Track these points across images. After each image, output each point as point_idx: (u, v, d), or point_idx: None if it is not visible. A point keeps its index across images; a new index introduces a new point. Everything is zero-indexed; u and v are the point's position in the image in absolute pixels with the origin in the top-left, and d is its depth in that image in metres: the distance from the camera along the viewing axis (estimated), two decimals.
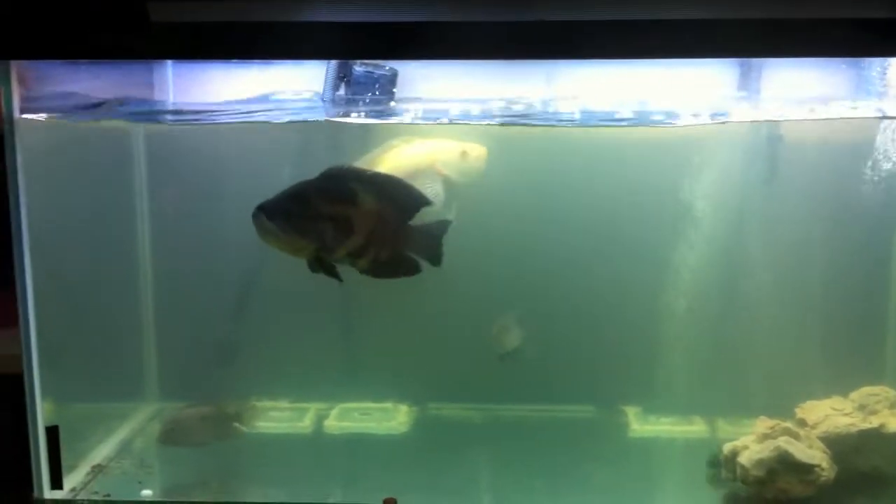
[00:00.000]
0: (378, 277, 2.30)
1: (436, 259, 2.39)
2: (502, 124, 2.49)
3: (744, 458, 2.21)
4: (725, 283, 2.62)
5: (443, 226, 2.41)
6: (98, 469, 2.39)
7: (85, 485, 2.30)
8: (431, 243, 2.39)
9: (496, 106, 2.48)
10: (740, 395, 2.59)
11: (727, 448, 2.27)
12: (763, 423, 2.29)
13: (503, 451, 2.56)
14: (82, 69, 2.30)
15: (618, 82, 2.42)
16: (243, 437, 2.53)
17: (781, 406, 2.43)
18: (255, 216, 2.10)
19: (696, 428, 2.64)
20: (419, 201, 2.32)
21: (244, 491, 2.38)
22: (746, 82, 2.50)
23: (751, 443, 2.25)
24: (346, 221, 2.18)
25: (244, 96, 2.51)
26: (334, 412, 2.74)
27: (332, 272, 2.22)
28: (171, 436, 2.43)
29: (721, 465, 2.28)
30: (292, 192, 2.16)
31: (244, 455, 2.58)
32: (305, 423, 2.70)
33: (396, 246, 2.30)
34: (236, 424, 2.49)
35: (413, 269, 2.35)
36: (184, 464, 2.47)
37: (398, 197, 2.29)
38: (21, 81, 2.08)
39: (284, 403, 2.79)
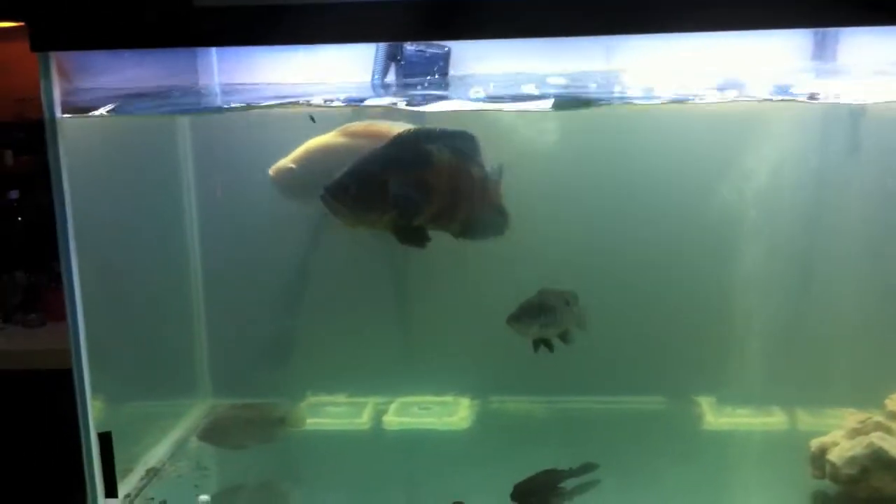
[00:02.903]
0: (474, 238, 2.16)
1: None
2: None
3: (834, 456, 2.07)
4: (805, 267, 2.48)
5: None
6: (153, 472, 2.32)
7: (139, 490, 2.23)
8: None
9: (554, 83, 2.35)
10: (822, 385, 2.44)
11: (814, 444, 2.14)
12: (853, 417, 2.15)
13: (570, 447, 2.43)
14: (125, 59, 2.22)
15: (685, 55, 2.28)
16: (285, 440, 2.42)
17: (867, 396, 2.29)
18: (321, 198, 2.02)
19: (775, 420, 2.50)
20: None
21: (305, 493, 2.30)
22: (822, 53, 2.34)
23: (840, 438, 2.11)
24: (422, 185, 2.07)
25: (290, 81, 2.43)
26: (393, 407, 2.65)
27: (419, 239, 2.11)
28: (210, 434, 2.36)
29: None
30: (356, 166, 2.07)
31: (304, 455, 2.49)
32: (364, 420, 2.62)
33: (487, 202, 2.17)
34: (279, 428, 2.39)
35: (502, 227, 2.20)
36: (242, 464, 2.39)
37: (477, 152, 2.16)
38: (62, 75, 1.99)
39: (342, 398, 2.71)
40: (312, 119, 2.37)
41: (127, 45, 1.96)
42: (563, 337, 2.30)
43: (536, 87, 2.33)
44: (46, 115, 1.98)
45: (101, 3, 1.86)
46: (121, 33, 1.89)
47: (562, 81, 2.36)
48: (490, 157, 2.18)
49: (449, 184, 2.09)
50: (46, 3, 1.85)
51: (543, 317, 2.24)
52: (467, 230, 2.15)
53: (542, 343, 2.27)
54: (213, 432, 2.33)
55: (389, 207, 2.04)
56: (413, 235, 2.10)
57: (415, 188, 2.07)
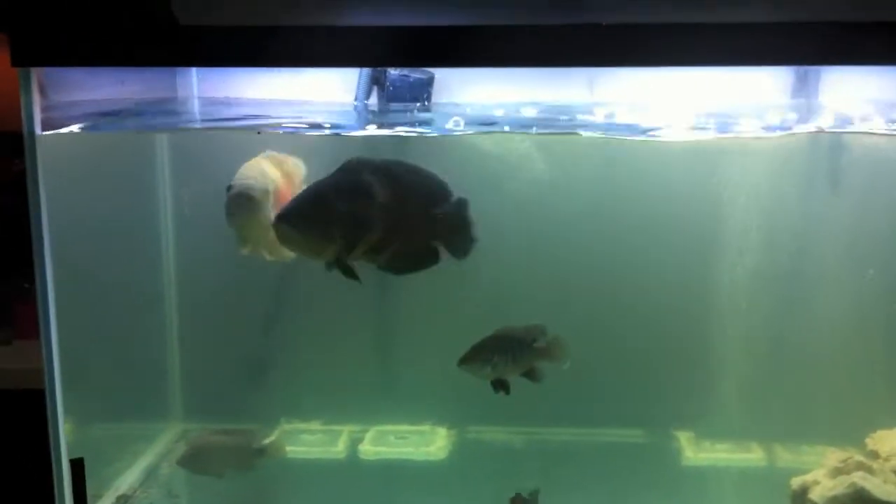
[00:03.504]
0: (399, 272, 2.16)
1: (461, 249, 2.18)
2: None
3: (815, 495, 2.07)
4: (786, 300, 2.48)
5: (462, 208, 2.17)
6: (123, 500, 2.26)
7: None
8: (458, 230, 2.18)
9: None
10: (803, 422, 2.44)
11: (796, 483, 2.14)
12: (834, 456, 2.15)
13: (548, 478, 2.41)
14: (103, 76, 2.18)
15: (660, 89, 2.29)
16: (263, 468, 2.39)
17: (846, 434, 2.29)
18: (274, 225, 2.01)
19: (755, 456, 2.49)
20: (441, 190, 2.15)
21: None
22: (803, 89, 2.35)
23: (822, 477, 2.11)
24: (364, 217, 2.06)
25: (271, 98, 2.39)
26: (369, 435, 2.61)
27: (350, 273, 2.09)
28: (191, 461, 2.33)
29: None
30: (309, 193, 2.08)
31: (278, 483, 2.45)
32: (339, 448, 2.57)
33: (417, 237, 2.15)
34: (261, 457, 2.36)
35: (433, 260, 2.16)
36: (212, 491, 2.34)
37: (417, 185, 2.14)
38: (41, 92, 1.95)
39: (316, 425, 2.66)
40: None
41: (112, 62, 1.92)
42: (530, 375, 2.23)
43: (507, 115, 2.33)
44: (26, 130, 1.93)
45: (85, 20, 1.83)
46: (106, 51, 1.86)
47: (536, 111, 2.36)
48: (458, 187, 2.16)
49: (385, 218, 2.07)
50: (29, 18, 1.82)
51: (498, 356, 2.18)
52: (393, 265, 2.14)
53: (499, 384, 2.20)
54: (194, 459, 2.28)
55: (337, 237, 2.03)
56: (343, 269, 2.08)
57: (360, 218, 2.05)
